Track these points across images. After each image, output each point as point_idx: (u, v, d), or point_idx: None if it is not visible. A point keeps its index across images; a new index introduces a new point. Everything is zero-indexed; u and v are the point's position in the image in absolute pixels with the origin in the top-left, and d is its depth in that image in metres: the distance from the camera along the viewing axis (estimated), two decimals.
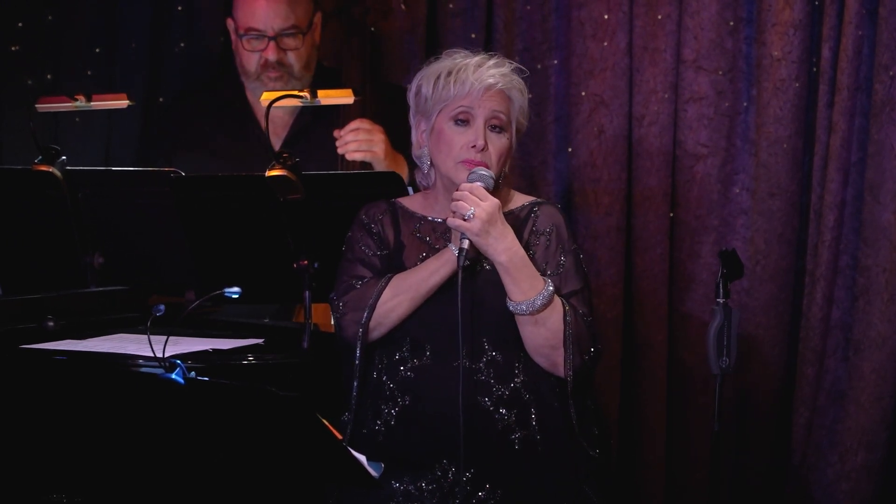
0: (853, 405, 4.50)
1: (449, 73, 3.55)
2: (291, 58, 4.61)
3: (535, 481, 3.53)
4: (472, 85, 3.53)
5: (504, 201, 3.63)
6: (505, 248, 3.48)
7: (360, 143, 4.40)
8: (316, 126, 4.63)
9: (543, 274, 3.55)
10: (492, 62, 3.57)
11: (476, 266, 3.54)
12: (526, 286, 3.49)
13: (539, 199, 3.68)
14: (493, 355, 3.52)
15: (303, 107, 4.38)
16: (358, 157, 4.39)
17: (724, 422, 4.06)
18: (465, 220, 3.45)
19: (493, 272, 3.53)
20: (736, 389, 4.68)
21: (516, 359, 3.53)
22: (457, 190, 3.50)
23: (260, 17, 4.60)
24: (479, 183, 3.49)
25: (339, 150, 4.42)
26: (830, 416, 4.55)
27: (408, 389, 3.53)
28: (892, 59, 4.40)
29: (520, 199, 3.67)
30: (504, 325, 3.52)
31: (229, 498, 3.49)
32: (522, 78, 3.61)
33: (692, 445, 4.77)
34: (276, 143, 4.62)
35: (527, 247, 3.57)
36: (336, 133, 4.43)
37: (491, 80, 3.54)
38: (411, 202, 3.70)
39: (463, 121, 3.56)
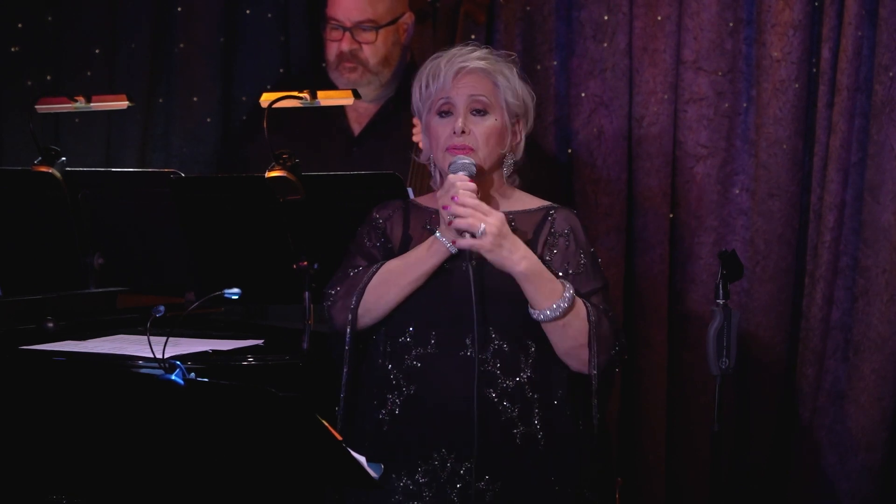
0: (853, 406, 4.51)
1: (429, 75, 3.59)
2: (366, 51, 4.65)
3: (535, 478, 3.53)
4: (447, 74, 3.56)
5: (516, 201, 3.65)
6: (521, 257, 3.47)
7: None
8: (399, 115, 4.66)
9: (566, 274, 3.55)
10: (466, 49, 3.60)
11: (482, 255, 3.55)
12: (547, 291, 3.48)
13: (554, 204, 3.68)
14: (500, 345, 3.51)
15: (389, 97, 4.60)
16: None
17: (724, 422, 4.06)
18: (475, 237, 3.43)
19: None
20: (736, 390, 4.69)
21: (523, 352, 3.53)
22: (441, 190, 3.50)
23: (340, 8, 4.67)
24: (462, 172, 3.49)
25: (415, 139, 4.43)
26: (830, 416, 4.55)
27: (413, 379, 3.53)
28: (891, 59, 4.40)
29: (534, 202, 3.67)
30: (511, 315, 3.52)
31: (229, 499, 3.49)
32: (525, 70, 3.64)
33: (692, 445, 4.78)
34: (357, 130, 4.74)
35: (545, 247, 3.57)
36: (415, 121, 4.45)
37: (461, 64, 3.56)
38: (424, 199, 3.70)
39: (446, 112, 3.58)
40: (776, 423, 4.71)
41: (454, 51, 3.61)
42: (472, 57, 3.58)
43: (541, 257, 3.55)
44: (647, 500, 4.80)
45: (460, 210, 3.45)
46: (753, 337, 4.66)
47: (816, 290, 4.54)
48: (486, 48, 3.64)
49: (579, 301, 3.51)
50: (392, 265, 3.56)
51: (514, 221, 3.60)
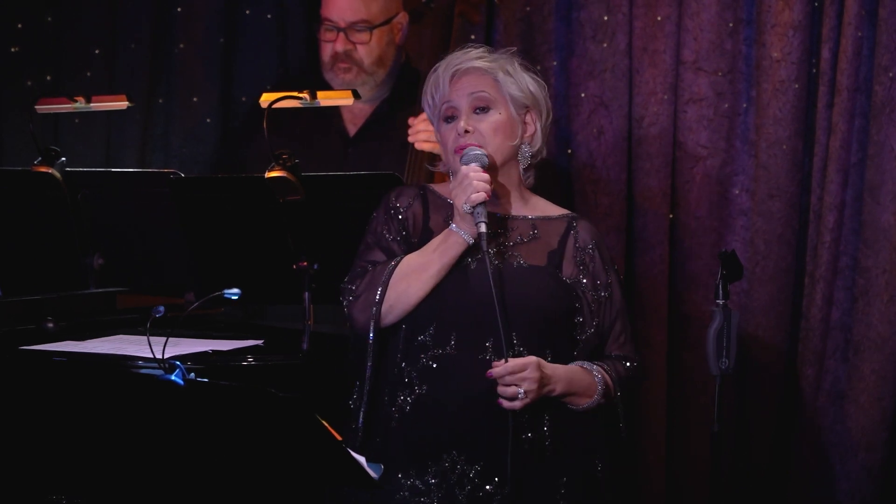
0: (853, 406, 4.50)
1: (431, 86, 3.61)
2: (361, 52, 4.65)
3: (541, 483, 3.53)
4: (445, 79, 3.58)
5: (535, 206, 3.66)
6: (556, 383, 3.51)
7: (430, 133, 4.41)
8: (394, 115, 4.66)
9: (598, 298, 3.59)
10: (463, 52, 3.61)
11: (513, 263, 3.55)
12: (584, 388, 3.56)
13: (573, 213, 3.70)
14: (519, 351, 3.51)
15: (384, 97, 4.64)
16: (426, 147, 4.41)
17: (724, 422, 4.06)
18: (519, 398, 3.47)
19: (531, 270, 3.55)
20: (736, 390, 4.69)
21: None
22: (454, 182, 3.51)
23: (335, 8, 4.67)
24: (474, 164, 3.51)
25: (410, 139, 4.44)
26: (830, 416, 4.55)
27: (426, 378, 3.52)
28: (891, 60, 4.40)
29: (553, 208, 3.69)
30: (533, 322, 3.53)
31: (230, 499, 3.49)
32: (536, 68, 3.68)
33: (692, 445, 4.77)
34: (352, 131, 4.74)
35: (575, 263, 3.60)
36: (410, 121, 4.45)
37: (458, 66, 3.58)
38: (441, 187, 3.69)
39: (450, 117, 3.59)
40: (776, 423, 4.71)
41: (451, 56, 3.62)
42: (469, 57, 3.59)
43: (571, 275, 3.58)
44: (647, 500, 4.80)
45: (502, 377, 3.46)
46: (753, 337, 4.65)
47: (816, 291, 4.54)
48: (484, 47, 3.64)
49: (606, 378, 3.58)
50: (411, 260, 3.55)
51: (537, 229, 3.61)
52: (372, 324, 3.54)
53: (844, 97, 4.47)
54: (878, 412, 4.48)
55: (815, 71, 4.58)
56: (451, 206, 3.61)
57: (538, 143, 3.64)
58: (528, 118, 3.61)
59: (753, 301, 4.65)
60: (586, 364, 3.58)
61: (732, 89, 4.68)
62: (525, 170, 3.64)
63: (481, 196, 3.47)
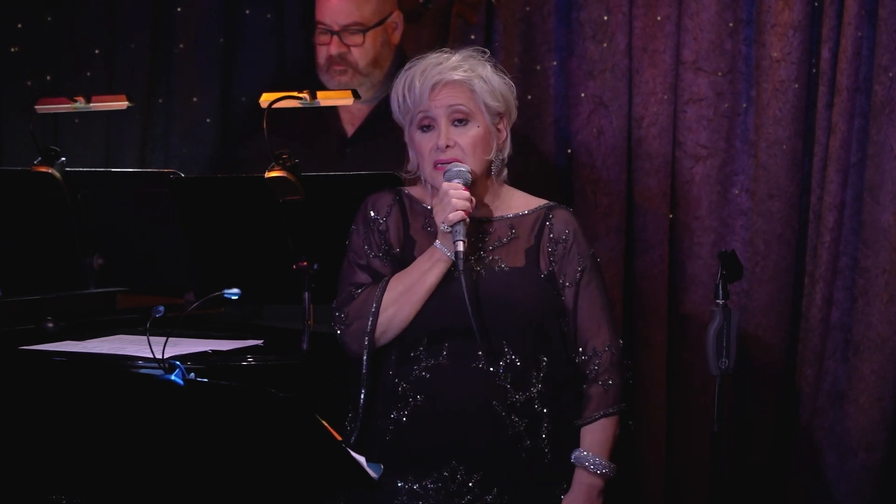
0: (853, 406, 4.51)
1: (404, 87, 3.55)
2: (355, 54, 4.67)
3: (541, 492, 3.54)
4: (422, 90, 3.52)
5: (510, 204, 3.63)
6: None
7: None
8: (391, 115, 4.66)
9: (563, 287, 3.56)
10: (440, 59, 3.55)
11: (494, 267, 3.54)
12: (605, 477, 3.59)
13: (551, 203, 3.65)
14: (511, 359, 3.51)
15: (382, 97, 4.61)
16: None
17: (724, 422, 4.06)
18: None
19: (512, 273, 3.53)
20: (736, 390, 4.69)
21: (535, 367, 3.52)
22: (435, 199, 3.50)
23: (327, 11, 4.70)
24: (456, 180, 3.48)
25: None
26: (830, 416, 4.55)
27: (421, 389, 3.51)
28: (891, 60, 4.40)
29: (528, 202, 3.65)
30: (523, 329, 3.51)
31: (229, 499, 3.49)
32: (524, 71, 3.62)
33: (692, 445, 4.78)
34: (350, 131, 4.77)
35: (549, 256, 3.57)
36: None
37: (437, 79, 3.52)
38: (418, 191, 3.65)
39: (427, 126, 3.54)
40: (776, 424, 4.71)
41: (426, 62, 3.55)
42: (447, 68, 3.53)
43: (547, 269, 3.56)
44: (647, 500, 4.81)
45: None
46: (753, 337, 4.66)
47: (816, 291, 4.54)
48: (458, 53, 3.59)
49: (608, 452, 3.59)
50: (399, 282, 3.53)
51: (514, 228, 3.59)
52: (366, 352, 3.54)
53: (844, 97, 4.47)
54: (878, 412, 4.48)
55: (814, 71, 4.58)
56: (428, 212, 3.59)
57: (507, 147, 3.60)
58: (500, 125, 3.58)
59: (753, 301, 4.66)
60: (588, 464, 3.56)
61: (732, 89, 4.68)
62: (498, 174, 3.62)
63: (459, 215, 3.44)
